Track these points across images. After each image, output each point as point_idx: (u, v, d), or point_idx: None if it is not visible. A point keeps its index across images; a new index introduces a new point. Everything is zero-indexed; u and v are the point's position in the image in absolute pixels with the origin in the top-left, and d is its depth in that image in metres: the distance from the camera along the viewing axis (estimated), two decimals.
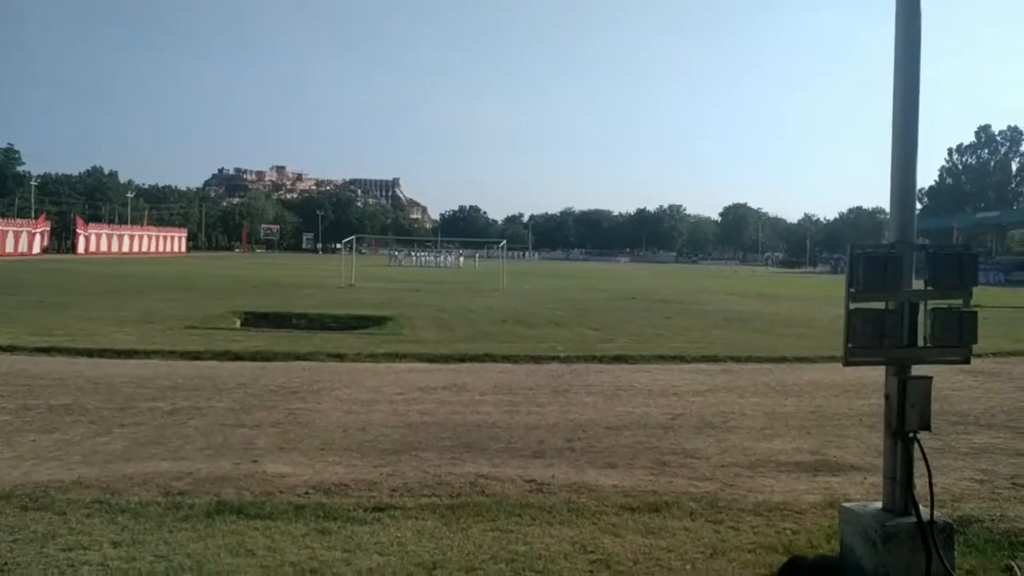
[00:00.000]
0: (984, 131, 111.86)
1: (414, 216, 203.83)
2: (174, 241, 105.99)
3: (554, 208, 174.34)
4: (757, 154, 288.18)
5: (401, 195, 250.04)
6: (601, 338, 15.48)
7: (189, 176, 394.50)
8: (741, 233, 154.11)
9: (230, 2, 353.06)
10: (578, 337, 15.56)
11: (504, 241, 57.22)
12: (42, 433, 7.09)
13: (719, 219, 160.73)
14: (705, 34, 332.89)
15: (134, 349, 12.17)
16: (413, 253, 77.73)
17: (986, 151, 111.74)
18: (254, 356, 11.95)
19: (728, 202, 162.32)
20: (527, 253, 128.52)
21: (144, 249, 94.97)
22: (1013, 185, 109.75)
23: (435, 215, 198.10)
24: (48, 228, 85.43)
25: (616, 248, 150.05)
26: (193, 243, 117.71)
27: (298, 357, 11.98)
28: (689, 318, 21.00)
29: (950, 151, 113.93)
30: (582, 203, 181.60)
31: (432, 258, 71.42)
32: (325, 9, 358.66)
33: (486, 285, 35.12)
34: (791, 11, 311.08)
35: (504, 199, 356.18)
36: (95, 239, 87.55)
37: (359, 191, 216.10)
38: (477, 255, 76.92)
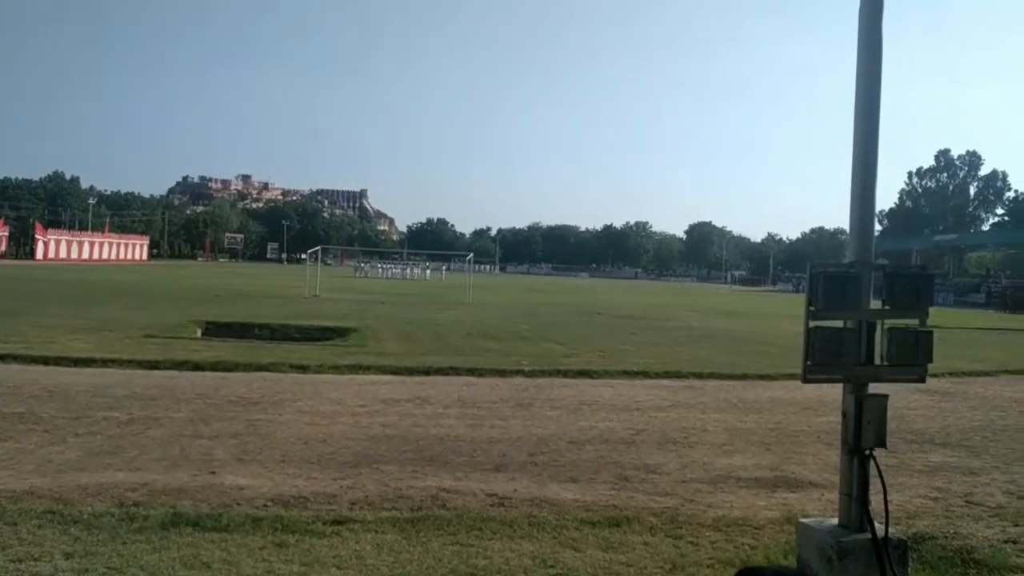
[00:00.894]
0: (943, 155, 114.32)
1: (381, 228, 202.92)
2: (135, 248, 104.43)
3: (522, 222, 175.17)
4: (722, 173, 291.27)
5: (368, 206, 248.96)
6: (566, 352, 15.52)
7: (153, 183, 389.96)
8: (706, 251, 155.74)
9: (197, 9, 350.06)
10: (543, 351, 15.58)
11: (471, 254, 57.28)
12: None
13: (684, 236, 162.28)
14: (667, 54, 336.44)
15: (91, 357, 11.96)
16: (379, 265, 77.39)
17: (945, 175, 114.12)
18: (214, 366, 11.81)
19: (693, 220, 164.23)
20: (491, 267, 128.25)
21: (104, 256, 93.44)
22: (971, 209, 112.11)
23: (402, 227, 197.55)
24: (6, 233, 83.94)
25: (583, 263, 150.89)
26: (155, 251, 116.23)
27: (260, 368, 11.85)
28: (653, 334, 21.15)
29: (910, 174, 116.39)
30: (550, 218, 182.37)
31: (399, 270, 71.11)
32: (294, 18, 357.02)
33: (452, 298, 35.07)
34: (756, 34, 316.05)
35: (472, 212, 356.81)
36: (54, 245, 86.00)
37: (326, 201, 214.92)
38: (444, 268, 76.86)
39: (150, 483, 5.86)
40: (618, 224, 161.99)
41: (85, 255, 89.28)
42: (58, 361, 11.67)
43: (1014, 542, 5.25)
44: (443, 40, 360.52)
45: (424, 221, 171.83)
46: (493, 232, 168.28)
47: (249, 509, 5.37)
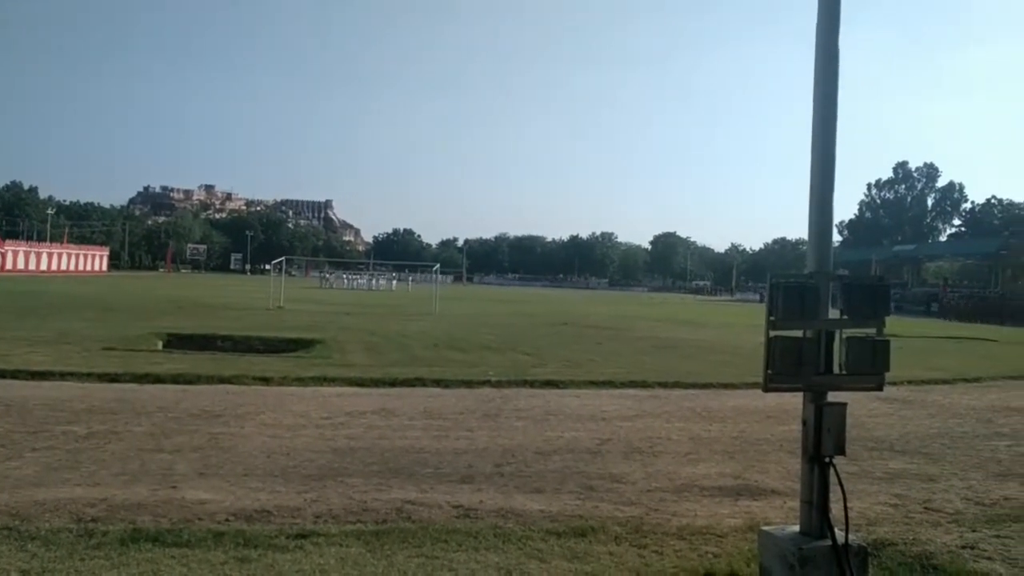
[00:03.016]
0: (901, 167, 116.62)
1: (347, 238, 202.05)
2: (95, 260, 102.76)
3: (489, 233, 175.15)
4: (687, 185, 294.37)
5: (334, 217, 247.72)
6: (533, 363, 15.54)
7: (113, 193, 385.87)
8: (670, 261, 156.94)
9: (161, 16, 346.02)
10: (510, 361, 15.58)
11: (438, 265, 57.12)
12: None
13: (649, 247, 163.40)
14: (631, 65, 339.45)
15: (49, 371, 11.73)
16: (345, 276, 76.86)
17: (903, 186, 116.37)
18: (176, 379, 11.64)
19: (658, 231, 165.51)
20: (452, 279, 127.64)
21: (63, 267, 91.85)
22: (928, 220, 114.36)
23: (368, 238, 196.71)
24: None
25: (550, 274, 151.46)
26: (116, 262, 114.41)
27: (222, 380, 11.72)
28: (619, 344, 21.25)
29: (869, 186, 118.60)
30: (516, 228, 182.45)
31: (364, 281, 70.66)
32: (260, 26, 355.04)
33: (419, 309, 34.94)
34: (721, 51, 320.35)
35: (439, 223, 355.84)
36: (12, 256, 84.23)
37: (290, 212, 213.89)
38: (410, 279, 76.56)
39: (109, 498, 5.75)
40: (584, 235, 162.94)
41: (44, 266, 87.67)
42: (15, 374, 11.44)
43: (972, 547, 5.35)
44: (412, 54, 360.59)
45: (390, 232, 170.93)
46: (460, 243, 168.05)
47: (211, 524, 5.30)
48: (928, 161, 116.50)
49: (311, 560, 4.69)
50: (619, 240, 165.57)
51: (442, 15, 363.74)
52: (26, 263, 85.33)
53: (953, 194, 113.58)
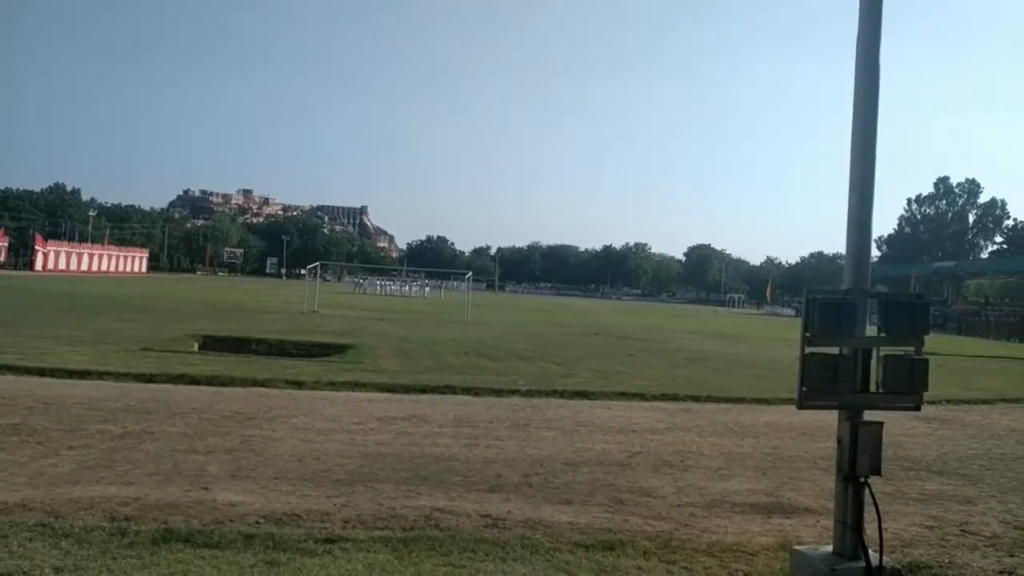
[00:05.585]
0: (943, 182, 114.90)
1: (381, 244, 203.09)
2: (135, 261, 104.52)
3: (521, 241, 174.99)
4: (722, 196, 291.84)
5: (368, 223, 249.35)
6: (563, 373, 15.50)
7: (154, 196, 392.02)
8: (705, 273, 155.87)
9: (203, 23, 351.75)
10: (540, 371, 15.56)
11: (470, 273, 57.24)
12: None
13: (683, 259, 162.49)
14: (669, 75, 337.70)
15: (87, 370, 11.94)
16: (378, 282, 77.35)
17: (944, 202, 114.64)
18: (210, 380, 11.79)
19: (692, 242, 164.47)
20: (482, 286, 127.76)
21: (104, 268, 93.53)
22: (970, 236, 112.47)
23: (402, 244, 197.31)
24: (6, 244, 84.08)
25: (582, 284, 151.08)
26: (155, 264, 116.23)
27: (256, 383, 11.83)
28: (651, 356, 21.12)
29: (909, 201, 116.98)
30: (549, 238, 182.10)
31: (397, 287, 71.10)
32: (298, 36, 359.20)
33: (450, 316, 35.05)
34: (759, 62, 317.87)
35: (472, 231, 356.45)
36: (54, 256, 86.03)
37: (326, 217, 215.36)
38: (443, 286, 76.83)
39: (142, 498, 5.83)
40: (617, 245, 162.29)
41: (84, 267, 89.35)
42: (53, 373, 11.65)
43: (1009, 572, 5.22)
44: (447, 61, 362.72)
45: (424, 239, 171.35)
46: (492, 251, 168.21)
47: (241, 526, 5.35)
48: (970, 176, 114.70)
49: (339, 565, 4.71)
50: (652, 251, 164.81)
51: (473, 24, 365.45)
52: (67, 263, 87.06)
53: (995, 210, 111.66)
